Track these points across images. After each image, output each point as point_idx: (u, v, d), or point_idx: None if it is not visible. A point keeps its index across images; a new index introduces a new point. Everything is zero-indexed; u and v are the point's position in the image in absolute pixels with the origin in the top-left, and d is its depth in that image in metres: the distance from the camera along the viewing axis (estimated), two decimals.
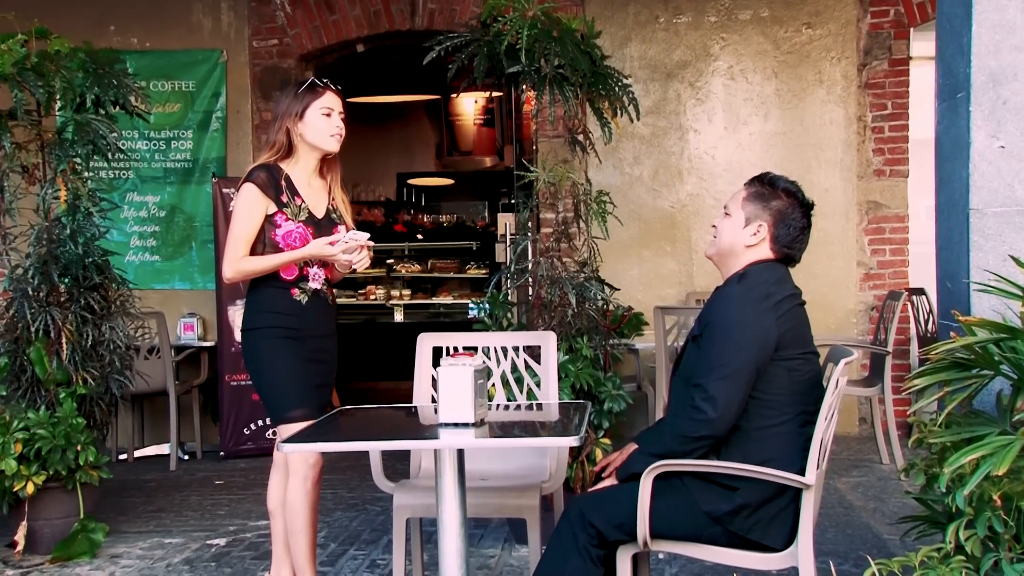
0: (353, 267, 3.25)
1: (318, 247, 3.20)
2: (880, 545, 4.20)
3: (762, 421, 2.61)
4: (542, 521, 3.30)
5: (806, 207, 2.76)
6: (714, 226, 2.85)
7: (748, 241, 2.74)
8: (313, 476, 3.28)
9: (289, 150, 3.30)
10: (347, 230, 3.32)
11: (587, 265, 4.67)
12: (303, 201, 3.28)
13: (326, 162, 3.38)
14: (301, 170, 3.32)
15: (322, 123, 3.27)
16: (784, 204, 2.73)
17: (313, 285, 3.29)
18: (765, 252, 2.74)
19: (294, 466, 3.26)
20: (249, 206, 3.23)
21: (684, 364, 2.79)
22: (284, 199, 3.24)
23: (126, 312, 4.70)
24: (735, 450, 2.61)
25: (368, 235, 3.23)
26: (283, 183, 3.26)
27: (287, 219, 3.24)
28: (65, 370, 4.42)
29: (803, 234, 2.75)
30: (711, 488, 2.61)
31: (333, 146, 3.31)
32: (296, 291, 3.27)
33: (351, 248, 3.19)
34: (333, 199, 3.38)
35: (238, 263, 3.24)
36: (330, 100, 3.28)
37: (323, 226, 3.30)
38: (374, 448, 3.26)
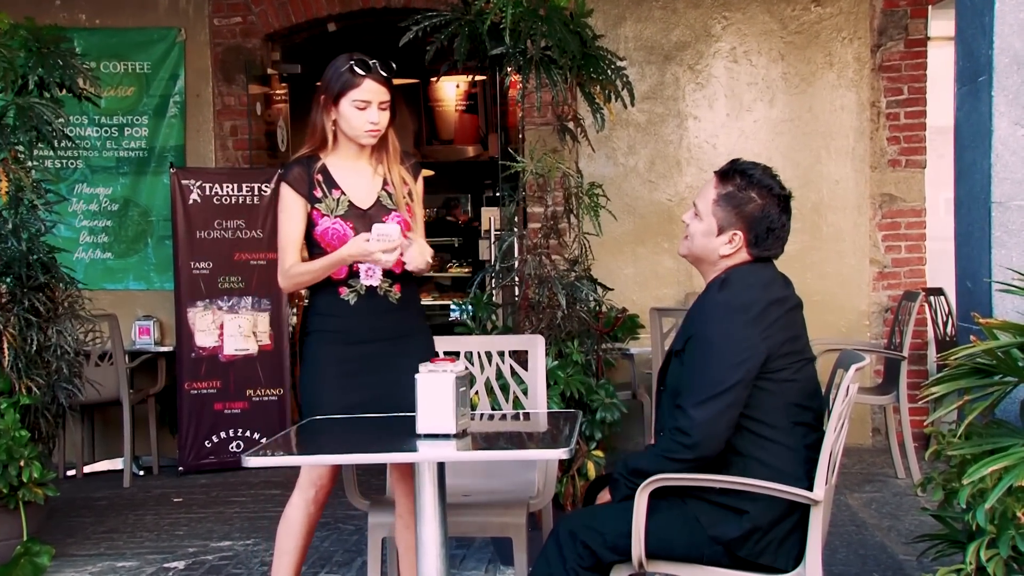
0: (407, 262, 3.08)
1: (357, 246, 3.03)
2: (895, 566, 4.21)
3: (760, 441, 2.61)
4: (529, 540, 3.30)
5: (784, 200, 2.72)
6: (685, 222, 2.81)
7: (723, 251, 2.72)
8: (320, 499, 3.22)
9: (332, 136, 3.19)
10: (404, 214, 3.20)
11: (578, 263, 4.67)
12: (342, 193, 3.17)
13: (376, 147, 3.23)
14: (343, 157, 3.21)
15: (355, 117, 3.12)
16: (758, 206, 2.69)
17: (367, 282, 3.14)
18: (743, 257, 2.72)
19: (300, 482, 3.21)
20: (286, 209, 3.18)
21: (669, 379, 2.78)
22: (318, 194, 3.15)
23: (75, 314, 4.66)
24: (736, 474, 2.61)
25: (398, 227, 3.04)
26: (318, 176, 3.17)
27: (322, 215, 3.15)
28: (7, 378, 4.38)
29: (784, 230, 2.73)
30: (717, 511, 2.61)
31: (366, 141, 3.16)
32: (344, 290, 3.16)
33: (389, 248, 3.00)
34: (388, 183, 3.23)
35: (289, 273, 3.17)
36: (367, 91, 3.10)
37: (372, 216, 3.16)
38: (346, 461, 3.25)
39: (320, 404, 3.14)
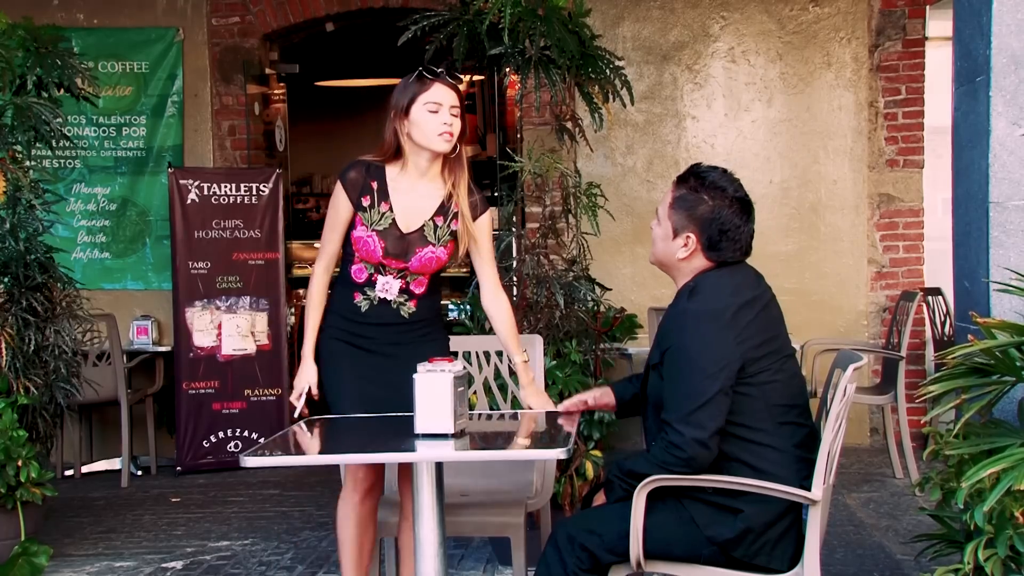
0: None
1: (304, 379, 3.20)
2: (893, 566, 4.22)
3: (746, 445, 2.62)
4: (528, 540, 3.31)
5: (739, 202, 2.69)
6: (652, 228, 2.82)
7: (680, 254, 2.71)
8: (372, 497, 3.22)
9: (399, 150, 3.16)
10: (455, 245, 3.17)
11: (576, 263, 4.68)
12: (390, 208, 3.14)
13: (448, 163, 3.17)
14: (409, 172, 3.16)
15: (428, 121, 3.08)
16: (710, 207, 2.67)
17: (381, 294, 3.17)
18: (702, 262, 2.71)
19: (345, 480, 3.25)
20: (332, 206, 3.19)
21: (649, 391, 2.78)
22: (365, 202, 3.14)
23: (73, 314, 4.66)
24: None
25: (301, 413, 3.18)
26: (373, 184, 3.15)
27: (362, 224, 3.14)
28: (5, 378, 4.38)
29: (739, 232, 2.68)
30: (712, 511, 2.62)
31: (440, 146, 3.10)
32: (359, 295, 3.18)
33: (297, 399, 3.21)
34: (439, 215, 3.17)
35: (313, 275, 3.25)
36: (438, 93, 3.08)
37: (409, 241, 3.15)
38: (345, 461, 3.25)
39: (340, 402, 3.18)
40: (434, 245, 3.16)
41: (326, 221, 3.24)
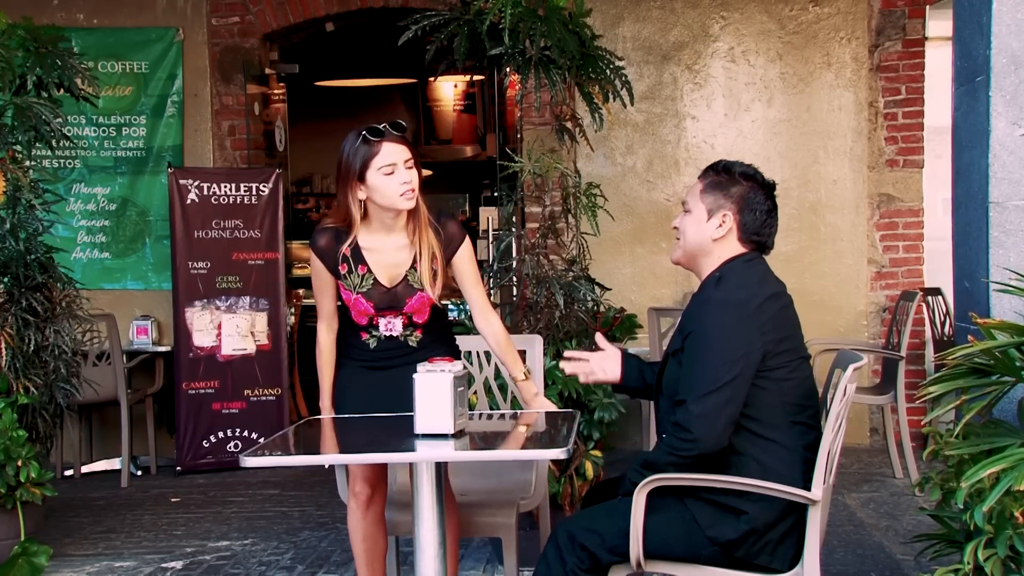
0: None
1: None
2: (893, 566, 4.22)
3: (757, 440, 2.63)
4: (526, 540, 3.31)
5: (768, 188, 2.77)
6: (675, 227, 2.84)
7: (715, 234, 2.74)
8: (376, 506, 3.24)
9: (363, 213, 3.12)
10: (429, 291, 3.17)
11: (576, 263, 4.68)
12: (367, 269, 3.15)
13: (410, 212, 3.14)
14: (375, 230, 3.16)
15: (387, 184, 3.03)
16: (744, 189, 2.74)
17: (387, 333, 3.20)
18: (735, 244, 2.74)
19: (347, 496, 3.29)
20: (314, 274, 3.23)
21: (666, 380, 2.79)
22: (343, 270, 3.15)
23: (73, 314, 4.66)
24: (733, 473, 2.62)
25: None
26: (346, 251, 3.14)
27: (346, 290, 3.17)
28: (5, 378, 4.38)
29: (770, 217, 2.76)
30: (715, 511, 2.62)
31: (405, 205, 3.07)
32: (365, 335, 3.22)
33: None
34: (417, 261, 3.16)
35: (318, 337, 3.29)
36: (390, 153, 3.03)
37: (396, 293, 3.16)
38: (345, 461, 3.25)
39: (348, 410, 3.23)
40: (422, 289, 3.17)
41: (313, 286, 3.27)
